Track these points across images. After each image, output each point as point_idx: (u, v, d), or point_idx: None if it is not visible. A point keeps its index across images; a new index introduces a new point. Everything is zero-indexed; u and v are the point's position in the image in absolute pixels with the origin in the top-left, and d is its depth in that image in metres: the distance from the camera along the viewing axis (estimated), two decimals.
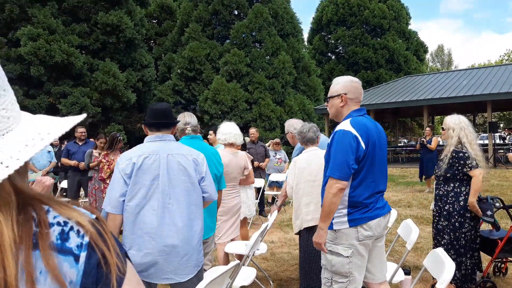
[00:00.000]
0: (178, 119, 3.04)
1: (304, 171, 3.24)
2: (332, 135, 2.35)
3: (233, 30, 19.43)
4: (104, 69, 15.65)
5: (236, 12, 20.50)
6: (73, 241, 0.63)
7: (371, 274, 2.46)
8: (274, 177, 7.96)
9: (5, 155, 0.60)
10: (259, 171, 7.15)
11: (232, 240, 4.03)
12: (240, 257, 3.78)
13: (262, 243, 3.91)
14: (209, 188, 2.35)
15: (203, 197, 2.33)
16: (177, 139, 2.68)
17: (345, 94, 2.40)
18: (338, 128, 2.32)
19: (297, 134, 3.46)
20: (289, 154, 8.28)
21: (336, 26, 27.77)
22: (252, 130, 7.63)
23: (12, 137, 0.63)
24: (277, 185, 8.08)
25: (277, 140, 8.53)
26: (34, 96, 14.90)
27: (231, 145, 4.08)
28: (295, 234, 3.40)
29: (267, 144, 8.43)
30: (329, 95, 2.50)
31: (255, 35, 19.60)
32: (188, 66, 19.15)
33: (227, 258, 3.91)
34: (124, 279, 0.66)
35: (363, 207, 2.31)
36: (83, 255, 0.62)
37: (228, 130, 3.98)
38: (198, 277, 2.28)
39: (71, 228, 0.64)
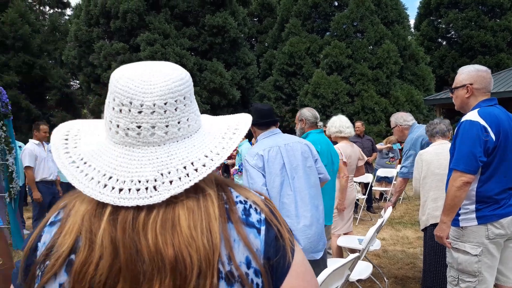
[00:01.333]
0: (300, 114, 3.29)
1: (431, 164, 3.10)
2: (457, 126, 2.23)
3: (333, 22, 19.08)
4: (211, 68, 16.66)
5: (336, 4, 20.07)
6: (254, 217, 0.72)
7: (503, 277, 2.29)
8: (382, 172, 7.69)
9: (203, 152, 0.71)
10: (366, 166, 6.96)
11: (345, 234, 4.03)
12: (351, 251, 3.76)
13: (376, 239, 3.84)
14: (323, 169, 2.59)
15: (319, 178, 2.52)
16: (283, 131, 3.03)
17: (471, 84, 2.28)
18: (464, 118, 2.21)
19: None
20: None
21: (447, 9, 25.41)
22: (358, 124, 7.47)
23: (200, 138, 0.74)
24: (387, 180, 7.79)
25: (390, 144, 8.01)
26: None
27: (344, 138, 4.12)
28: (421, 230, 3.27)
29: (383, 143, 8.15)
30: (453, 85, 2.40)
31: (356, 25, 18.96)
32: (288, 61, 19.36)
33: (340, 250, 3.93)
34: (295, 250, 0.74)
35: (494, 203, 2.17)
36: (263, 229, 0.72)
37: (343, 124, 4.04)
38: (323, 258, 2.44)
39: (250, 206, 0.74)
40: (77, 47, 17.25)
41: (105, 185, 0.67)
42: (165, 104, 0.68)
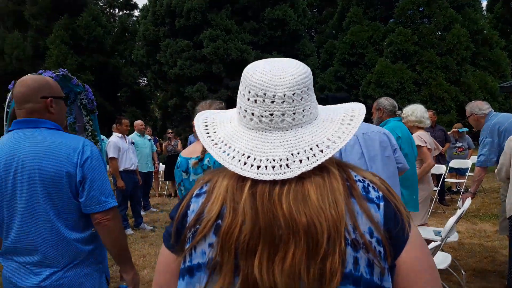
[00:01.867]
0: (378, 103, 3.25)
1: None
2: None
3: (397, 8, 18.32)
4: None
5: None
6: (373, 194, 0.82)
7: None
8: (454, 163, 7.36)
9: (325, 136, 0.83)
10: (438, 157, 6.70)
11: (420, 225, 3.97)
12: (427, 242, 3.71)
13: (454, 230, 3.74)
14: (402, 159, 2.54)
15: (397, 167, 2.47)
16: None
17: None
18: None
19: None
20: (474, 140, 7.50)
21: None
22: (429, 113, 7.18)
23: (320, 124, 0.85)
24: (459, 172, 7.44)
25: (455, 129, 7.73)
26: (216, 91, 17.02)
27: (421, 128, 4.05)
28: (507, 218, 3.14)
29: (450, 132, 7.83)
30: None
31: (423, 10, 18.05)
32: (350, 51, 18.94)
33: None
34: (411, 225, 0.82)
35: None
36: (381, 204, 0.80)
37: (423, 114, 3.98)
38: None
39: (368, 185, 0.83)
40: (145, 46, 18.23)
41: (245, 163, 0.80)
42: (293, 94, 0.80)
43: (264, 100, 0.80)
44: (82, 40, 18.36)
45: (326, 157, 0.79)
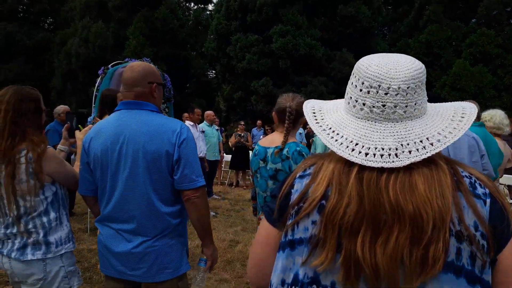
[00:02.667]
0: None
1: None
2: None
3: (481, 8, 17.06)
4: (340, 59, 16.51)
5: None
6: (479, 190, 0.83)
7: None
8: None
9: (436, 130, 0.85)
10: None
11: None
12: None
13: None
14: (488, 166, 2.50)
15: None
16: None
17: None
18: None
19: None
20: None
21: None
22: (511, 120, 6.70)
23: (430, 119, 0.87)
24: None
25: None
26: (280, 86, 17.09)
27: (498, 135, 3.82)
28: None
29: None
30: None
31: (510, 10, 16.66)
32: (425, 50, 18.02)
33: None
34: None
35: None
36: (488, 201, 0.82)
37: (503, 120, 3.75)
38: None
39: (475, 181, 0.85)
40: (216, 39, 18.77)
41: (353, 149, 0.85)
42: (407, 88, 0.83)
43: (377, 92, 0.84)
44: (158, 32, 19.33)
45: (436, 150, 0.82)
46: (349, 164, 0.85)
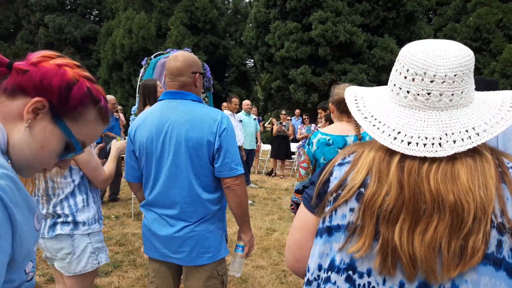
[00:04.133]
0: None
1: None
2: None
3: None
4: (382, 45, 16.01)
5: None
6: None
7: None
8: None
9: (483, 120, 0.82)
10: None
11: None
12: None
13: None
14: None
15: None
16: None
17: None
18: None
19: None
20: None
21: None
22: None
23: (476, 108, 0.85)
24: None
25: None
26: (319, 74, 16.86)
27: None
28: None
29: None
30: None
31: None
32: (473, 35, 17.10)
33: None
34: None
35: None
36: None
37: None
38: None
39: None
40: (255, 28, 18.73)
41: (395, 138, 0.83)
42: (455, 75, 0.80)
43: (423, 79, 0.82)
44: (199, 22, 19.56)
45: (482, 141, 0.80)
46: (391, 152, 0.84)
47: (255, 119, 8.38)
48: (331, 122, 5.21)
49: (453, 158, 0.80)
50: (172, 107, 1.88)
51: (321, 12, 15.97)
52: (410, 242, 0.78)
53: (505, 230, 0.76)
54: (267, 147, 10.40)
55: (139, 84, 5.59)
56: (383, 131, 0.86)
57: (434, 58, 0.81)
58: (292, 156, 10.38)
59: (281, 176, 9.82)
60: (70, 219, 2.07)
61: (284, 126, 9.75)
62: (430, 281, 0.78)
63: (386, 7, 16.24)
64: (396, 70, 0.89)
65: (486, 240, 0.75)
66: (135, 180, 2.07)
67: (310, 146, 2.46)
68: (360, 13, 16.36)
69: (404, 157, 0.83)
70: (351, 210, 0.85)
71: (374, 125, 0.88)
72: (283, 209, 6.51)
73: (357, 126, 2.32)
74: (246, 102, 7.95)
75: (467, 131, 0.81)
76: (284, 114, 10.15)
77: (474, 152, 0.81)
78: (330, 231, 0.89)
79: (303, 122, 9.94)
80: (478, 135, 0.80)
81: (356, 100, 0.97)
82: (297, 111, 11.53)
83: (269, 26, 17.71)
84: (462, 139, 0.80)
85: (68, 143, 0.82)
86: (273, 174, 9.88)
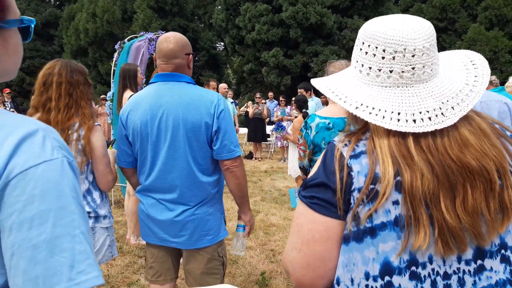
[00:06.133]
0: None
1: None
2: None
3: None
4: (352, 26, 16.16)
5: None
6: (508, 132, 0.88)
7: None
8: None
9: (462, 82, 0.87)
10: None
11: None
12: None
13: None
14: None
15: None
16: None
17: None
18: None
19: None
20: None
21: None
22: None
23: (447, 72, 0.88)
24: None
25: None
26: (291, 56, 16.88)
27: None
28: None
29: None
30: None
31: None
32: (439, 15, 17.55)
33: None
34: None
35: None
36: None
37: None
38: None
39: (501, 127, 0.89)
40: (224, 10, 18.44)
41: (398, 120, 0.82)
42: (430, 45, 0.83)
43: (404, 55, 0.82)
44: (166, 4, 19.05)
45: (475, 100, 0.83)
46: (400, 135, 0.82)
47: (232, 102, 8.33)
48: (301, 108, 5.19)
49: (454, 127, 0.82)
50: (167, 90, 1.84)
51: None
52: (456, 216, 0.79)
53: None
54: (244, 130, 10.38)
55: (113, 69, 5.42)
56: (383, 116, 0.83)
57: (408, 33, 0.82)
58: (268, 139, 10.41)
59: (260, 159, 9.87)
60: (92, 214, 2.04)
61: (260, 108, 9.76)
62: (481, 245, 0.82)
63: None
64: (367, 53, 0.86)
65: None
66: (128, 165, 2.02)
67: (308, 131, 2.34)
68: None
69: (415, 136, 0.81)
70: (394, 203, 0.80)
71: (370, 113, 0.84)
72: (265, 190, 6.57)
73: None
74: (223, 86, 7.87)
75: (457, 95, 0.84)
76: (259, 97, 10.13)
77: (465, 117, 0.84)
78: (373, 232, 0.81)
79: (279, 104, 9.97)
80: (468, 96, 0.84)
81: (334, 92, 0.91)
82: (271, 94, 11.54)
83: (239, 8, 17.48)
84: (458, 104, 0.83)
85: None
86: (254, 158, 9.91)
